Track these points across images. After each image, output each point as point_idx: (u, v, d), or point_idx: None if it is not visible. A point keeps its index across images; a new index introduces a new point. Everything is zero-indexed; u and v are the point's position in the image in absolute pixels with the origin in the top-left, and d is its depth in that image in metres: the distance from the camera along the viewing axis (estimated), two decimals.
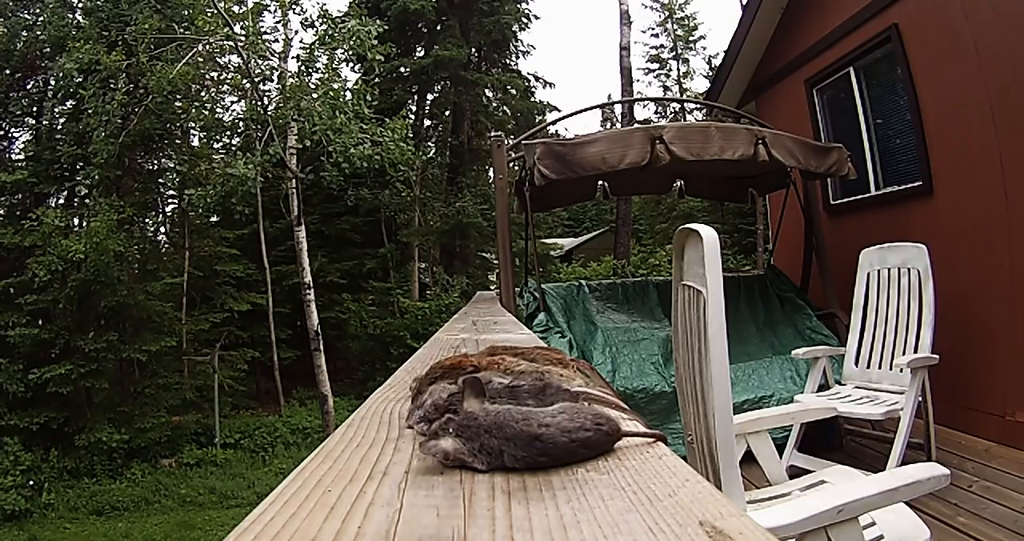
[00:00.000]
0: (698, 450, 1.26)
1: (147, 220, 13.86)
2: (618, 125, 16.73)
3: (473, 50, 15.71)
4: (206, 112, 12.62)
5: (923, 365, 2.51)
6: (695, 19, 20.59)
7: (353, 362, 13.92)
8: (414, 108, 15.99)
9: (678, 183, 4.37)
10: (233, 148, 12.92)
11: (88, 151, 10.81)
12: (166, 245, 14.05)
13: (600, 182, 3.98)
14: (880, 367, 2.88)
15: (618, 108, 16.79)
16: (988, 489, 2.43)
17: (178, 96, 11.11)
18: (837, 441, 3.10)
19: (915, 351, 2.71)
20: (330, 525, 0.37)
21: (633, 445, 0.52)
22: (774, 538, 0.33)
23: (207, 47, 10.05)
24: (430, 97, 16.25)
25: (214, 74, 12.09)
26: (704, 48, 20.83)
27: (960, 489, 2.41)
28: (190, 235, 12.50)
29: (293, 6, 10.14)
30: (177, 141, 12.78)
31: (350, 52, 9.59)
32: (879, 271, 3.03)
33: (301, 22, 9.96)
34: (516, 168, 3.91)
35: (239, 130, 13.51)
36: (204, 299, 12.59)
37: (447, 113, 16.03)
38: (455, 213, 14.28)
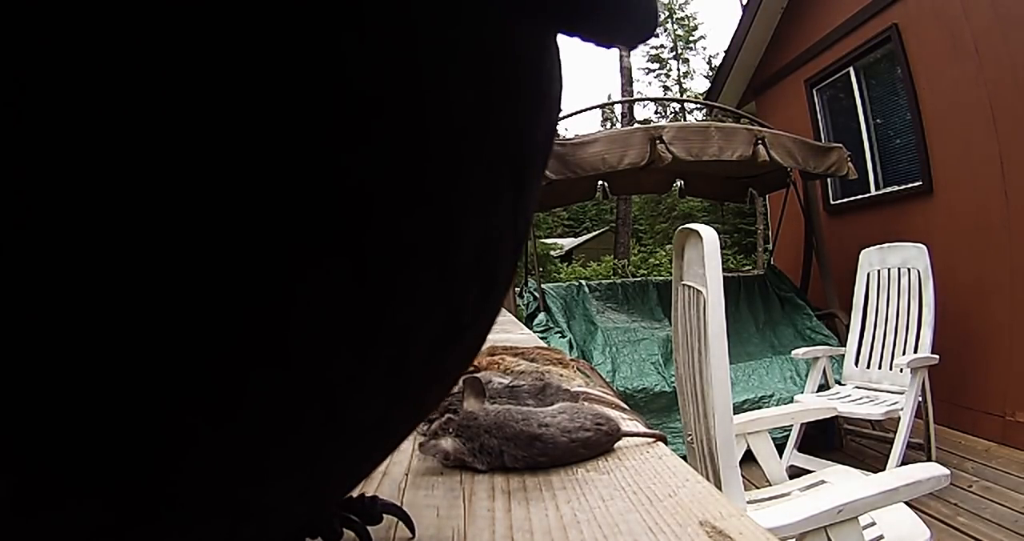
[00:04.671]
0: (698, 450, 1.26)
1: None
2: (618, 125, 16.74)
3: None
4: None
5: (923, 365, 2.51)
6: (695, 19, 20.61)
7: None
8: None
9: (678, 183, 4.37)
10: None
11: None
12: None
13: (600, 182, 3.98)
14: (880, 367, 2.88)
15: (618, 108, 16.80)
16: (988, 489, 2.43)
17: None
18: (837, 441, 3.10)
19: (915, 351, 2.71)
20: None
21: (633, 445, 0.52)
22: (774, 538, 0.33)
23: None
24: None
25: None
26: (704, 48, 20.92)
27: (960, 489, 2.41)
28: None
29: None
30: None
31: None
32: (879, 271, 3.03)
33: None
34: None
35: None
36: None
37: None
38: None
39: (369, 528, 0.36)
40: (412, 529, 0.36)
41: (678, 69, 20.67)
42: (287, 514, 0.22)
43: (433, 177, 0.17)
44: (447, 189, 0.18)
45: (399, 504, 0.40)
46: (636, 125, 5.69)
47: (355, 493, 0.37)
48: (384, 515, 0.36)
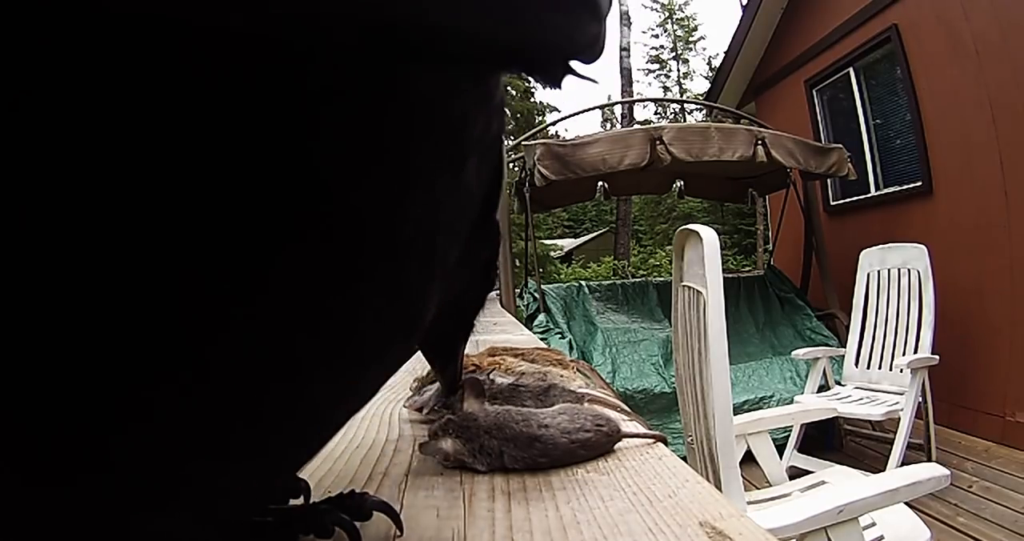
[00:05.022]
0: (698, 451, 1.26)
1: None
2: (618, 126, 16.74)
3: None
4: None
5: (923, 365, 2.51)
6: (695, 19, 20.62)
7: None
8: None
9: (678, 183, 4.38)
10: None
11: None
12: None
13: (600, 183, 3.98)
14: (880, 367, 2.88)
15: (618, 109, 16.81)
16: (988, 489, 2.43)
17: None
18: (837, 441, 3.10)
19: (915, 351, 2.71)
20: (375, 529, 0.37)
21: (633, 446, 0.52)
22: (774, 538, 0.33)
23: None
24: None
25: None
26: (704, 48, 20.92)
27: (960, 489, 2.41)
28: None
29: None
30: None
31: None
32: (879, 271, 3.03)
33: None
34: (516, 169, 3.91)
35: None
36: None
37: None
38: None
39: (368, 527, 0.36)
40: (400, 528, 0.36)
41: (678, 70, 20.68)
42: (244, 486, 0.22)
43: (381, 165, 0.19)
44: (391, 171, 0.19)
45: (399, 504, 0.40)
46: (636, 126, 5.69)
47: (346, 490, 0.37)
48: (374, 516, 0.36)
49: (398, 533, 0.36)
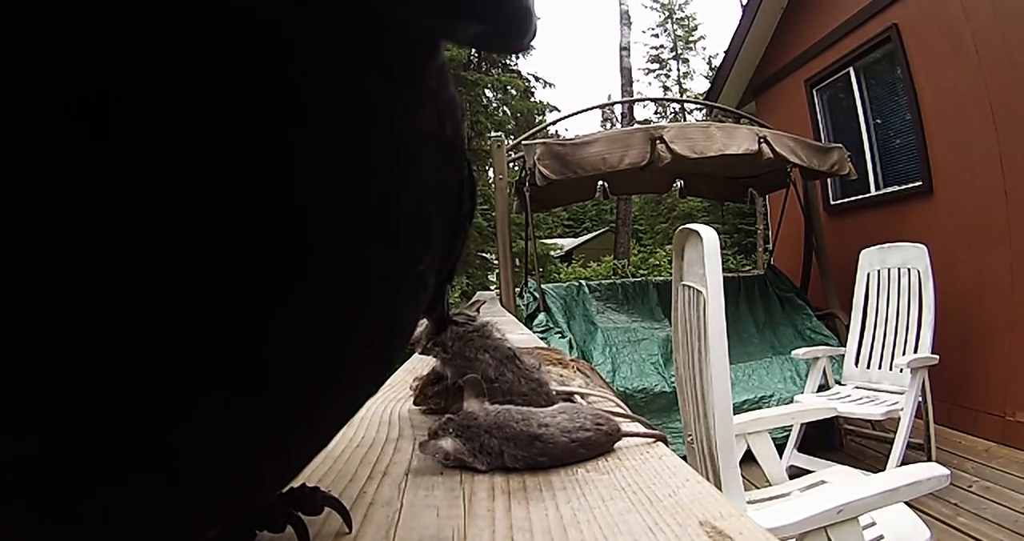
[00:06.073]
0: (698, 450, 1.26)
1: None
2: (618, 125, 16.74)
3: (473, 50, 15.70)
4: None
5: (923, 365, 2.51)
6: (695, 19, 20.60)
7: None
8: None
9: (678, 183, 4.37)
10: None
11: None
12: None
13: (600, 182, 3.98)
14: (880, 367, 2.88)
15: (618, 108, 16.81)
16: (988, 489, 2.43)
17: None
18: (837, 441, 3.10)
19: (915, 351, 2.71)
20: (329, 525, 0.37)
21: (633, 445, 0.52)
22: (774, 538, 0.33)
23: None
24: None
25: None
26: (704, 48, 20.89)
27: (960, 489, 2.41)
28: None
29: None
30: None
31: None
32: (879, 271, 3.03)
33: None
34: (516, 168, 3.91)
35: None
36: None
37: None
38: None
39: (370, 530, 0.36)
40: (349, 524, 0.36)
41: (678, 69, 20.66)
42: (220, 481, 0.22)
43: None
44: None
45: (399, 503, 0.40)
46: (636, 125, 5.69)
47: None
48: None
49: (347, 530, 0.36)
